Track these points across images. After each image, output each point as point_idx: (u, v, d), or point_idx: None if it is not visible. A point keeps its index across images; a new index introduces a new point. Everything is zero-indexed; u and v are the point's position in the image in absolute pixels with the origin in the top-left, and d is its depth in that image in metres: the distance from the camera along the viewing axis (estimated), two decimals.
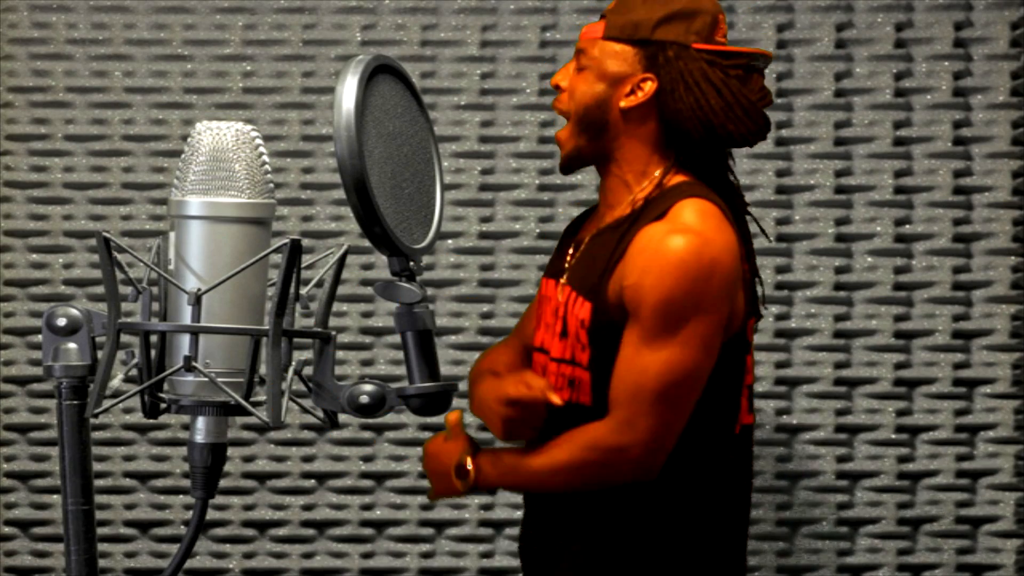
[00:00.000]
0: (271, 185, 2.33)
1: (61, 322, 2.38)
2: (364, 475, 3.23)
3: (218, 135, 2.27)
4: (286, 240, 2.23)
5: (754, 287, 2.25)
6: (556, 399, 2.15)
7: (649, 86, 2.20)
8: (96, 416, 2.29)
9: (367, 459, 3.23)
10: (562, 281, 2.28)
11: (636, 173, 2.23)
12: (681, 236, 2.11)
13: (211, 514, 3.13)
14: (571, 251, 2.31)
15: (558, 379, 2.26)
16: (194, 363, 2.23)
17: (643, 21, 2.19)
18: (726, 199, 2.23)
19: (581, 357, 2.22)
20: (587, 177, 3.21)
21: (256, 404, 2.28)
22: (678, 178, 2.22)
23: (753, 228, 2.42)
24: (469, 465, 2.25)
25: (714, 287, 2.10)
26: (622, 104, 2.21)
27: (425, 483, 3.22)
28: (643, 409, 2.11)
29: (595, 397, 2.21)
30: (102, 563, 3.17)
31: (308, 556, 3.22)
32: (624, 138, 2.23)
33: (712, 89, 2.18)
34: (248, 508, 3.23)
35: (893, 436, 3.22)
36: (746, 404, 2.25)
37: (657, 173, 2.22)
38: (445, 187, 2.55)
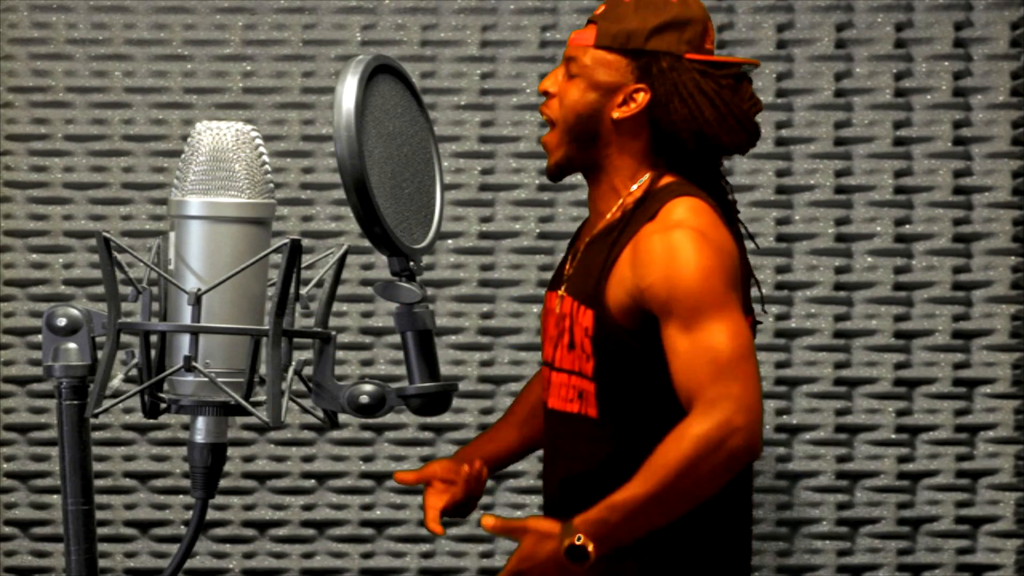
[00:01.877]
0: (271, 185, 2.33)
1: (61, 322, 2.37)
2: (364, 475, 3.23)
3: (218, 135, 2.28)
4: (286, 240, 2.23)
5: (749, 288, 2.25)
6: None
7: (642, 97, 2.19)
8: (96, 416, 2.29)
9: (367, 459, 3.23)
10: (560, 292, 2.28)
11: (625, 179, 2.23)
12: (678, 230, 2.11)
13: (211, 514, 3.13)
14: (569, 261, 2.31)
15: (568, 391, 2.26)
16: (194, 363, 2.23)
17: (636, 31, 2.18)
18: (718, 203, 2.23)
19: (586, 368, 2.21)
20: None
21: (256, 404, 2.28)
22: (666, 179, 2.21)
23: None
24: (580, 540, 2.03)
25: (726, 261, 2.11)
26: (615, 115, 2.20)
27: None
28: (730, 377, 2.06)
29: (600, 408, 2.19)
30: (102, 563, 3.17)
31: (308, 556, 3.22)
32: (614, 147, 2.22)
33: (706, 100, 2.17)
34: (248, 508, 3.23)
35: (893, 436, 3.22)
36: None
37: (646, 177, 2.21)
38: (445, 187, 2.55)
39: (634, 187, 2.21)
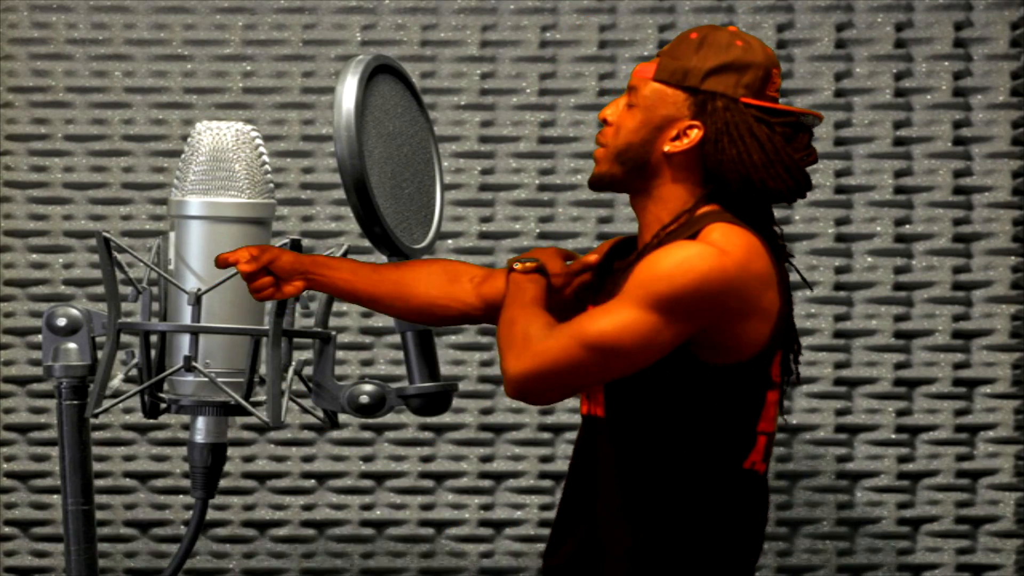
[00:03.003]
0: (271, 185, 2.33)
1: (61, 322, 2.38)
2: (364, 475, 3.23)
3: (218, 135, 2.28)
4: (286, 240, 2.24)
5: (791, 324, 2.24)
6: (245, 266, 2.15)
7: (695, 133, 2.19)
8: (96, 416, 2.29)
9: (367, 459, 3.23)
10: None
11: (672, 211, 2.23)
12: (702, 246, 2.10)
13: (211, 514, 3.13)
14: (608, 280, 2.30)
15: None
16: (194, 363, 2.23)
17: (693, 69, 2.19)
18: (767, 242, 2.22)
19: None
20: (587, 177, 3.21)
21: (256, 404, 2.29)
22: (707, 208, 2.22)
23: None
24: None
25: (699, 300, 2.08)
26: (666, 148, 2.20)
27: (425, 483, 3.22)
28: (560, 336, 2.09)
29: (608, 408, 2.19)
30: (102, 563, 3.17)
31: (308, 556, 3.22)
32: (663, 179, 2.23)
33: (756, 144, 2.17)
34: (248, 508, 3.23)
35: (893, 436, 3.22)
36: (763, 448, 2.22)
37: (689, 206, 2.21)
38: (445, 187, 2.55)
39: (679, 215, 2.22)
